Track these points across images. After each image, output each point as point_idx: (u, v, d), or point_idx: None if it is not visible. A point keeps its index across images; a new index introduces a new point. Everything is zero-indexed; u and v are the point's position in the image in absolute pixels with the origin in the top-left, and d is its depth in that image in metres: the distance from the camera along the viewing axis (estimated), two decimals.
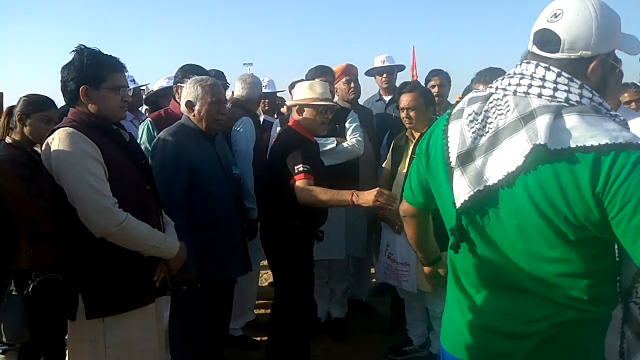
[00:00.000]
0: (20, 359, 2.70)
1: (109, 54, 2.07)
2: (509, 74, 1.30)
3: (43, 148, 1.95)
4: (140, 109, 4.71)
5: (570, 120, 1.14)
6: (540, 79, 1.22)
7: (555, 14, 1.22)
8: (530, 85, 1.22)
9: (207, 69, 3.37)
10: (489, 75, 2.97)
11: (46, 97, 2.68)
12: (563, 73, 1.20)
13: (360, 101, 4.19)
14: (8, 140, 2.58)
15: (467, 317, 1.39)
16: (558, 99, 1.18)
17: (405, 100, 3.11)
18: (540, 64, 1.24)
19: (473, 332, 1.37)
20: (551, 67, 1.22)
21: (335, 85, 3.89)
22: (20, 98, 2.63)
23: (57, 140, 1.89)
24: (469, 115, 1.29)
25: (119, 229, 1.90)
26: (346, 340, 3.79)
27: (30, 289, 2.44)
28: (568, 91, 1.19)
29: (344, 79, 3.89)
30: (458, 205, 1.26)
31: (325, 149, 3.37)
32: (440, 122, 1.41)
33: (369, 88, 4.62)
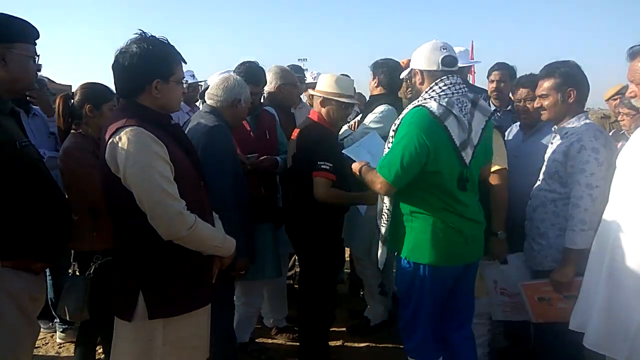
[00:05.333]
0: (79, 337, 2.83)
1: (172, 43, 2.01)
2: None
3: (108, 148, 1.86)
4: (196, 103, 4.86)
5: None
6: None
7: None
8: None
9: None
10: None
11: (105, 85, 2.73)
12: None
13: None
14: (80, 130, 2.67)
15: None
16: None
17: None
18: None
19: None
20: None
21: None
22: (79, 89, 2.69)
23: (126, 141, 1.81)
24: None
25: (189, 233, 1.89)
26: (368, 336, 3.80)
27: (91, 271, 2.54)
28: None
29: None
30: None
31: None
32: None
33: None
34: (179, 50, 2.02)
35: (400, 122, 2.41)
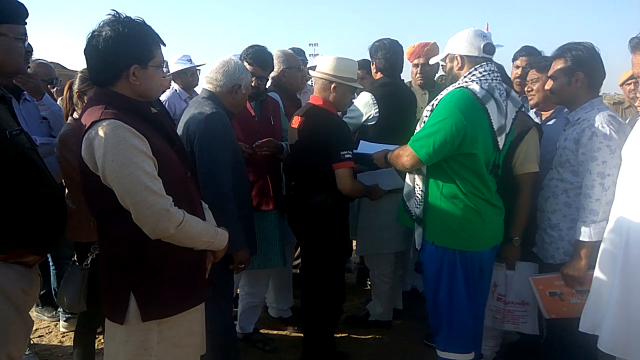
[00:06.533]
0: (78, 328, 2.78)
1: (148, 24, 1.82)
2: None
3: (84, 145, 1.71)
4: (195, 89, 4.79)
5: None
6: None
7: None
8: None
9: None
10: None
11: None
12: None
13: None
14: (75, 115, 2.63)
15: None
16: None
17: None
18: None
19: None
20: None
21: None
22: (77, 74, 2.63)
23: (103, 136, 1.65)
24: None
25: (178, 231, 1.75)
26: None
27: (89, 261, 2.48)
28: None
29: (415, 61, 3.68)
30: None
31: None
32: None
33: None
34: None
35: (438, 102, 2.40)
